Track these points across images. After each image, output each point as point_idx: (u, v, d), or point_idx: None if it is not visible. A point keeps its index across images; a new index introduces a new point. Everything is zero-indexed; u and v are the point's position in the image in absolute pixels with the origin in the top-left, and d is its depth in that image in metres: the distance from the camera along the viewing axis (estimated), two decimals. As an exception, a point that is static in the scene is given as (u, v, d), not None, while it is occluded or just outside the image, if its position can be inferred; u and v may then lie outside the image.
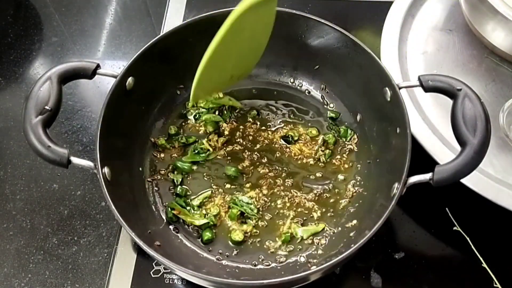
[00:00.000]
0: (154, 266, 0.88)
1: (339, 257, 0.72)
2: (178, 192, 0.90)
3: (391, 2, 1.05)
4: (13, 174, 0.98)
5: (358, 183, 0.92)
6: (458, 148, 0.73)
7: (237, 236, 0.86)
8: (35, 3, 1.23)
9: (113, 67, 1.12)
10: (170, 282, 0.87)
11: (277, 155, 0.95)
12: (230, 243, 0.87)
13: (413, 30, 1.04)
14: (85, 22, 1.21)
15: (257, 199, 0.90)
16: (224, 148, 0.95)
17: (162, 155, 0.95)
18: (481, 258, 0.86)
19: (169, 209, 0.88)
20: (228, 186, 0.92)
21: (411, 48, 1.02)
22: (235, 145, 0.96)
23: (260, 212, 0.89)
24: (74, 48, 1.16)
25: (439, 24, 1.05)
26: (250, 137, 0.97)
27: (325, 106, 1.00)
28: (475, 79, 0.97)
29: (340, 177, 0.92)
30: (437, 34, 1.04)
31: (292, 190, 0.91)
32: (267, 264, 0.85)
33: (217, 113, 0.99)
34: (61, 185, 0.97)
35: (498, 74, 0.99)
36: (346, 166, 0.93)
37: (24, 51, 1.15)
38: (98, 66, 0.80)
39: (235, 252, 0.86)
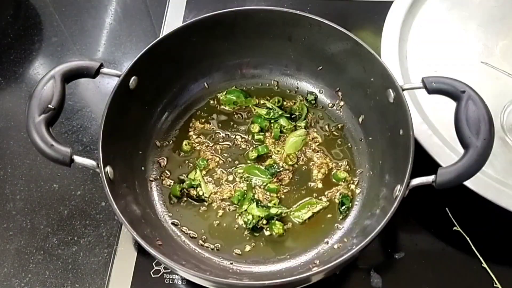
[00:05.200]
0: (154, 266, 0.88)
1: (341, 258, 0.71)
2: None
3: (391, 2, 1.05)
4: (13, 174, 0.98)
5: (360, 184, 0.92)
6: (460, 149, 0.73)
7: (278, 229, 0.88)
8: (35, 3, 1.23)
9: (113, 67, 1.12)
10: (170, 282, 0.87)
11: (277, 156, 0.95)
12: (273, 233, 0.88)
13: (413, 30, 1.04)
14: (85, 22, 1.20)
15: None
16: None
17: (165, 157, 0.95)
18: (481, 258, 0.87)
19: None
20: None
21: (411, 48, 1.02)
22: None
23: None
24: (74, 48, 1.16)
25: (439, 24, 1.05)
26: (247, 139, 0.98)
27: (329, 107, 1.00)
28: (475, 79, 0.97)
29: (343, 179, 0.93)
30: (437, 34, 1.04)
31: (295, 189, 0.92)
32: (268, 265, 0.85)
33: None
34: (61, 185, 0.97)
35: (498, 74, 1.00)
36: (349, 168, 0.94)
37: (24, 51, 1.15)
38: (101, 65, 0.80)
39: (236, 253, 0.86)
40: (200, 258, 0.85)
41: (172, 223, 0.89)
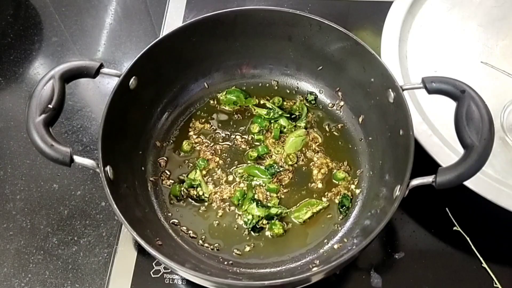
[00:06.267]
0: (154, 266, 0.88)
1: (341, 258, 0.71)
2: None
3: (391, 2, 1.05)
4: (13, 174, 0.98)
5: (360, 184, 0.92)
6: (460, 149, 0.73)
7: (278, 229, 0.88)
8: (35, 3, 1.23)
9: (113, 67, 1.12)
10: (170, 282, 0.87)
11: (277, 156, 0.95)
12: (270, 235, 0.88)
13: (413, 30, 1.04)
14: (85, 22, 1.21)
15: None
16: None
17: (165, 157, 0.95)
18: (481, 258, 0.87)
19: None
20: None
21: (411, 48, 1.02)
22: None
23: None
24: (74, 48, 1.16)
25: (439, 24, 1.05)
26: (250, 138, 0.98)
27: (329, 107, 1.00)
28: (475, 79, 0.97)
29: (343, 179, 0.93)
30: (437, 34, 1.04)
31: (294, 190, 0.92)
32: (268, 265, 0.85)
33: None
34: (61, 185, 0.97)
35: (498, 74, 1.00)
36: (349, 168, 0.94)
37: (24, 51, 1.15)
38: (101, 65, 0.79)
39: (236, 253, 0.86)
40: (200, 258, 0.85)
41: (172, 223, 0.89)
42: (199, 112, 1.00)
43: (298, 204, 0.90)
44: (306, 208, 0.89)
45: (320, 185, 0.92)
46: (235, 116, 1.00)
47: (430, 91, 0.77)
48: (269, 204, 0.89)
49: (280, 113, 0.98)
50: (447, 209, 0.91)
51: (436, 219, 0.92)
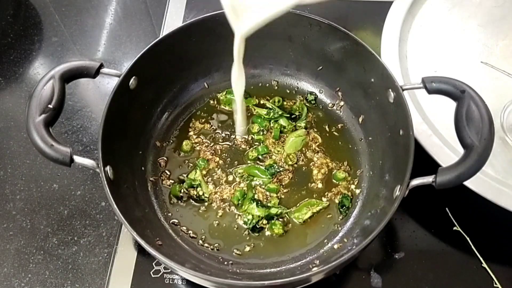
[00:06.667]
0: (154, 266, 0.88)
1: (341, 258, 0.71)
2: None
3: (391, 2, 1.05)
4: (13, 174, 0.98)
5: (360, 184, 0.92)
6: (460, 149, 0.73)
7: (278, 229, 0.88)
8: (35, 3, 1.23)
9: (113, 67, 1.12)
10: (170, 282, 0.87)
11: (277, 156, 0.95)
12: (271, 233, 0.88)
13: (413, 30, 1.04)
14: (85, 22, 1.21)
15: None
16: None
17: (165, 157, 0.95)
18: (481, 258, 0.87)
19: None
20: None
21: (411, 48, 1.02)
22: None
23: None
24: (74, 48, 1.16)
25: (439, 24, 1.05)
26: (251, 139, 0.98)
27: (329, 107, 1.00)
28: (475, 79, 0.97)
29: (343, 179, 0.93)
30: (437, 34, 1.04)
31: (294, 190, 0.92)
32: (268, 265, 0.85)
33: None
34: (61, 185, 0.97)
35: (498, 74, 1.00)
36: (349, 168, 0.94)
37: (24, 51, 1.15)
38: (101, 65, 0.79)
39: (236, 253, 0.86)
40: (200, 258, 0.85)
41: (172, 223, 0.89)
42: (199, 112, 1.00)
43: (298, 204, 0.90)
44: (306, 208, 0.89)
45: (320, 185, 0.92)
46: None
47: (430, 91, 0.77)
48: (269, 204, 0.89)
49: (280, 113, 0.98)
50: (447, 209, 0.91)
51: (436, 219, 0.92)
